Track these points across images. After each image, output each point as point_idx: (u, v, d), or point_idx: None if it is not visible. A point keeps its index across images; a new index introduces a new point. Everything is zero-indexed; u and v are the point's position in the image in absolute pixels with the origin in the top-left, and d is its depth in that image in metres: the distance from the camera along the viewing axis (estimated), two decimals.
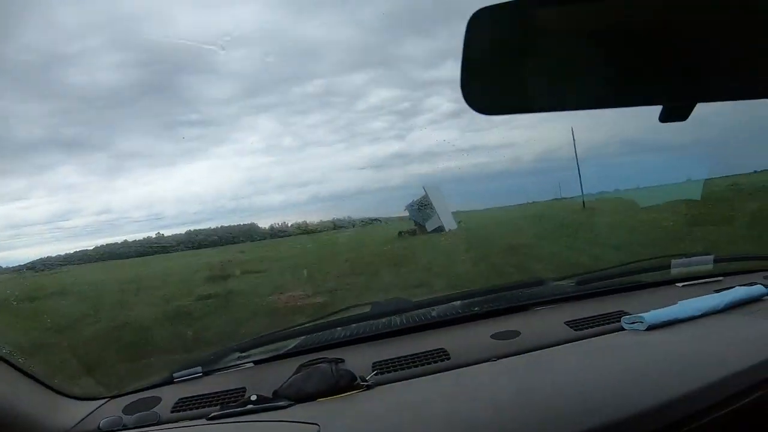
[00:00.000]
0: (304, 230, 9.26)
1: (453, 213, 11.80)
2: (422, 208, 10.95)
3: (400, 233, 10.55)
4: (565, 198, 10.51)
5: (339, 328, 1.12)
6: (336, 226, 9.61)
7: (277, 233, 9.21)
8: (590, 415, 0.68)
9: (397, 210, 10.31)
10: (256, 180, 9.64)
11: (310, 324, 1.16)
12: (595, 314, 1.07)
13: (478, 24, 0.45)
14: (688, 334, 0.95)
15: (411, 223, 11.18)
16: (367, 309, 1.19)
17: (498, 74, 0.48)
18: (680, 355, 0.88)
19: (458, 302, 1.20)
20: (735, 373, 0.77)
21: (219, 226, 9.14)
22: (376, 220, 9.86)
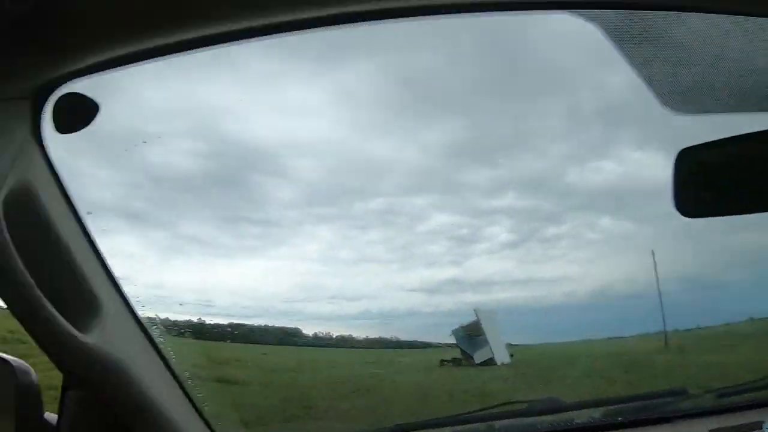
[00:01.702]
0: (342, 344, 8.89)
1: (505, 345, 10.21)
2: (472, 335, 9.57)
3: (442, 362, 9.08)
4: (623, 337, 8.95)
5: (496, 422, 1.15)
6: (372, 345, 9.05)
7: (318, 342, 8.98)
8: None
9: (446, 337, 9.71)
10: (309, 287, 9.55)
11: (467, 415, 1.21)
12: (738, 424, 1.13)
13: (686, 156, 0.78)
14: None
15: (458, 351, 9.70)
16: (523, 406, 1.24)
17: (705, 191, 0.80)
18: None
19: (604, 408, 1.26)
20: None
21: (263, 325, 9.11)
22: (425, 344, 9.53)
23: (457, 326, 9.59)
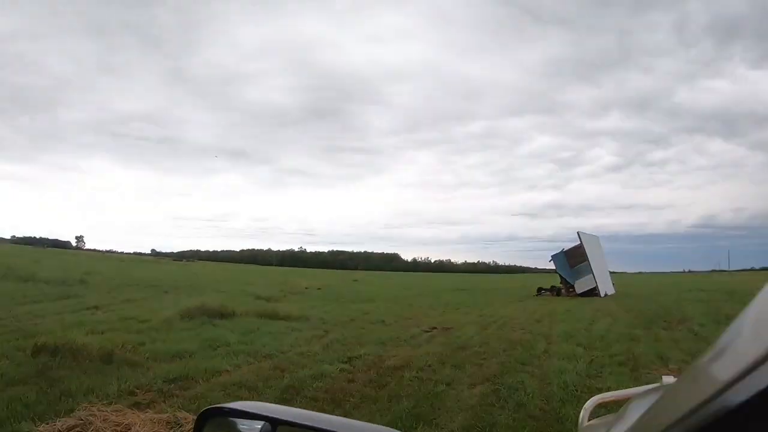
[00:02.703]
0: (440, 269, 7.61)
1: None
2: (573, 260, 8.37)
3: (539, 291, 7.91)
4: (729, 271, 8.26)
5: None
6: (469, 269, 7.80)
7: (416, 266, 7.89)
8: None
9: (546, 262, 8.56)
10: (410, 212, 9.01)
11: None
12: None
13: None
14: None
15: (557, 278, 8.47)
16: None
17: None
18: None
19: None
20: None
21: (362, 251, 8.68)
22: (523, 269, 8.18)
23: (558, 251, 8.26)
